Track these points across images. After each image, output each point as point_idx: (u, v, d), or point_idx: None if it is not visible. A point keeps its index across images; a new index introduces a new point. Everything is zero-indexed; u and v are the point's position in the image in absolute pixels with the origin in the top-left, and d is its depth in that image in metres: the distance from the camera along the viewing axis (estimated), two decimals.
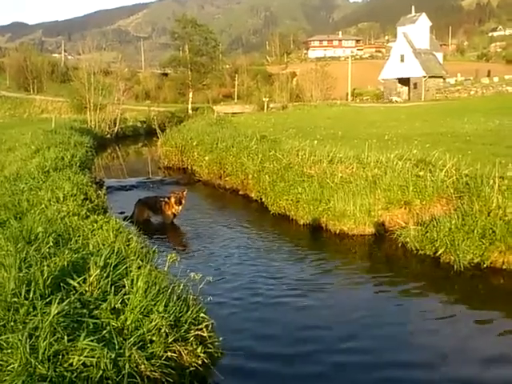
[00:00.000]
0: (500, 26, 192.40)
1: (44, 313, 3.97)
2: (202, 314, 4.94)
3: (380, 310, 6.63)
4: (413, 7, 63.89)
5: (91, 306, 4.44)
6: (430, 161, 10.95)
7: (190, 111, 53.78)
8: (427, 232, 8.41)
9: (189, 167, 18.81)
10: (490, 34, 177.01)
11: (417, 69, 58.55)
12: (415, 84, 59.28)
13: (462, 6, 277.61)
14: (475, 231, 7.75)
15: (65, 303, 4.14)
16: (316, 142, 14.26)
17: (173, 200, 10.94)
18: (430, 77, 58.41)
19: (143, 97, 74.50)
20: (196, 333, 4.70)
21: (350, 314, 6.45)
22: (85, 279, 4.78)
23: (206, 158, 16.67)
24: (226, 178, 15.23)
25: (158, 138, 23.10)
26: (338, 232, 9.93)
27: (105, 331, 4.07)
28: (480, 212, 8.03)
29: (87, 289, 4.70)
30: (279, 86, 64.02)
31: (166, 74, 78.61)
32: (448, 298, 6.94)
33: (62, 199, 8.69)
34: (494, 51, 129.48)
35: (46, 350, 3.61)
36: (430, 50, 62.05)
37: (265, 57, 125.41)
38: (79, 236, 6.45)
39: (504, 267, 7.49)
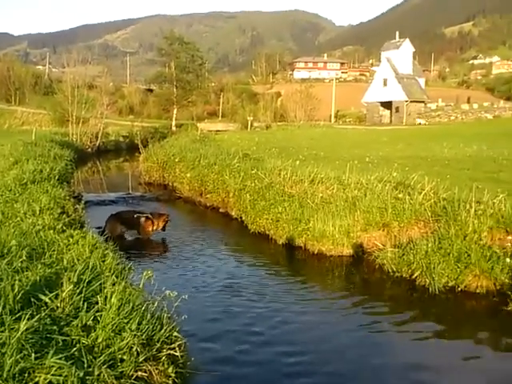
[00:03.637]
0: (480, 55, 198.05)
1: (12, 329, 3.88)
2: (175, 333, 4.89)
3: (353, 332, 6.61)
4: (397, 33, 65.17)
5: (62, 323, 4.35)
6: (409, 184, 11.08)
7: (173, 127, 53.84)
8: (404, 254, 8.46)
9: (170, 184, 18.73)
10: (470, 62, 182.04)
11: (399, 93, 59.49)
12: (397, 108, 60.17)
13: (444, 33, 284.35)
14: (451, 255, 7.82)
15: (34, 319, 4.05)
16: (298, 162, 14.34)
17: (161, 223, 11.03)
18: (411, 101, 59.36)
19: (127, 112, 74.38)
20: (168, 352, 4.65)
21: (323, 338, 6.42)
22: (57, 295, 4.69)
23: (188, 175, 16.63)
24: (207, 196, 15.18)
25: (140, 153, 23.03)
26: (316, 252, 9.93)
27: (74, 349, 3.99)
28: (456, 236, 8.12)
29: (59, 305, 4.61)
30: (264, 105, 64.49)
31: (150, 90, 78.70)
32: (422, 321, 6.94)
33: (38, 212, 8.57)
34: (474, 78, 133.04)
35: (11, 367, 3.52)
36: (413, 75, 63.16)
37: (250, 76, 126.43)
38: (54, 250, 6.34)
39: (478, 291, 7.56)
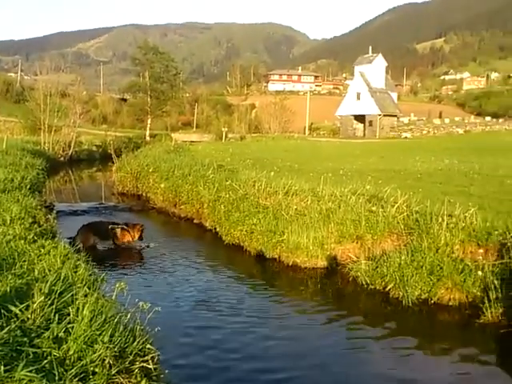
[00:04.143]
0: (451, 70, 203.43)
1: None
2: (148, 346, 4.81)
3: (327, 346, 6.62)
4: (370, 47, 66.34)
5: (33, 335, 4.24)
6: (383, 197, 11.21)
7: (147, 137, 53.55)
8: (377, 267, 8.54)
9: (143, 194, 18.57)
10: (442, 77, 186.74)
11: (372, 107, 60.34)
12: (370, 121, 60.98)
13: (416, 49, 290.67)
14: (424, 267, 7.92)
15: (4, 331, 3.95)
16: (273, 173, 14.38)
17: (137, 233, 10.95)
18: (384, 115, 60.26)
19: (100, 121, 73.75)
20: (141, 365, 4.57)
21: (297, 352, 6.40)
22: (28, 306, 4.58)
23: (162, 186, 16.52)
24: (181, 207, 15.09)
25: (113, 163, 22.80)
26: (291, 264, 9.93)
27: (45, 361, 3.90)
28: (428, 249, 8.22)
29: (29, 316, 4.50)
30: (238, 116, 64.73)
31: (124, 100, 78.31)
32: (395, 334, 6.98)
33: (8, 222, 8.38)
34: (445, 94, 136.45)
35: None
36: (386, 89, 64.18)
37: (225, 87, 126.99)
38: (25, 261, 6.20)
39: (450, 304, 7.66)
